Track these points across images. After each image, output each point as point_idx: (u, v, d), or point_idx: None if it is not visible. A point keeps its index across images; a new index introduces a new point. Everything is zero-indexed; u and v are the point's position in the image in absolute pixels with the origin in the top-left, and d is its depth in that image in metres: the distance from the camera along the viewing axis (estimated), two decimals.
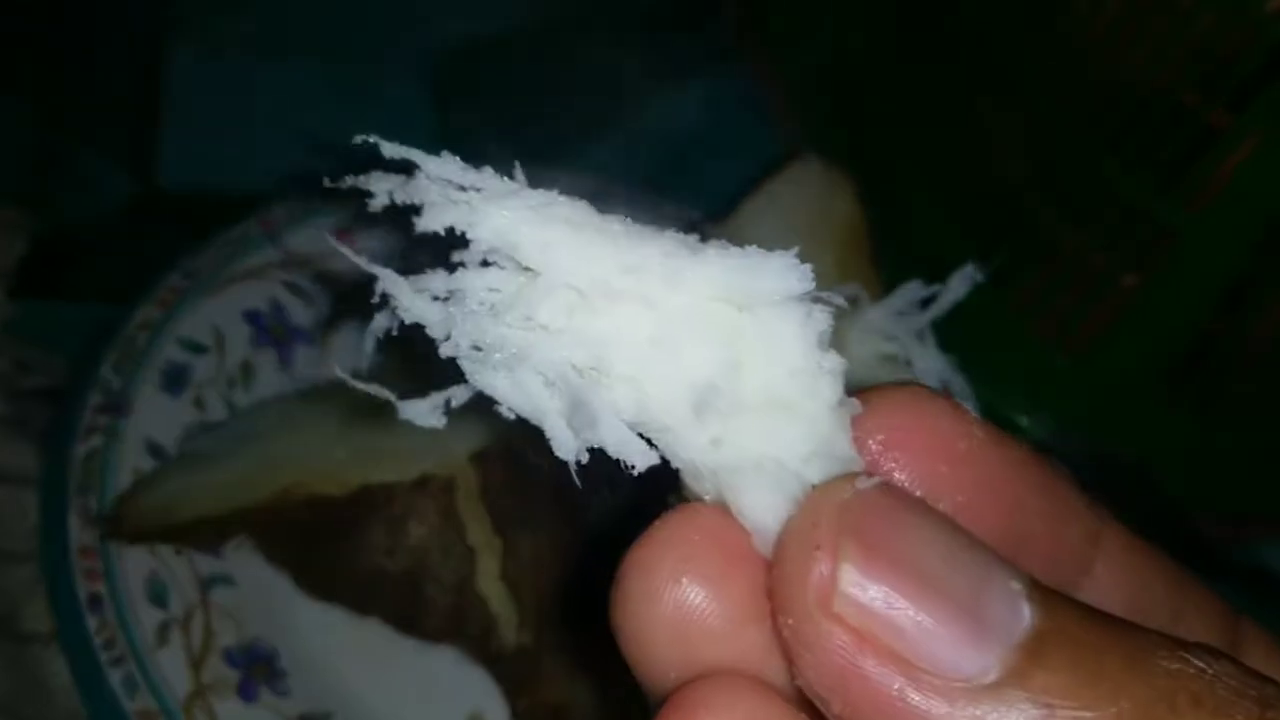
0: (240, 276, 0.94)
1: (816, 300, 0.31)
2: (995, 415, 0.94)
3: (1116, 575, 0.34)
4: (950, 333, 0.82)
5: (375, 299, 0.32)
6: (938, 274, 0.81)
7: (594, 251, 0.30)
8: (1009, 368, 0.97)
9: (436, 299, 0.31)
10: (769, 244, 0.88)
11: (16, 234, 0.92)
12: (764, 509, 0.30)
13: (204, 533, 0.78)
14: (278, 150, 1.11)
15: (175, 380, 0.87)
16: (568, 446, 0.31)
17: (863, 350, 0.82)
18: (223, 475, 0.78)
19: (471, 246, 0.30)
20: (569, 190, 0.98)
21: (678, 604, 0.30)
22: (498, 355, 0.30)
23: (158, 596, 0.77)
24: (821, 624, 0.27)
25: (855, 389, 0.33)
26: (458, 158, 0.31)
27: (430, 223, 0.30)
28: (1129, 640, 0.27)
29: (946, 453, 0.32)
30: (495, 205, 0.30)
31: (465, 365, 0.31)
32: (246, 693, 0.75)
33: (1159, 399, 0.98)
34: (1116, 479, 0.95)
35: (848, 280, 0.83)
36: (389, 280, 0.31)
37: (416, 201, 0.31)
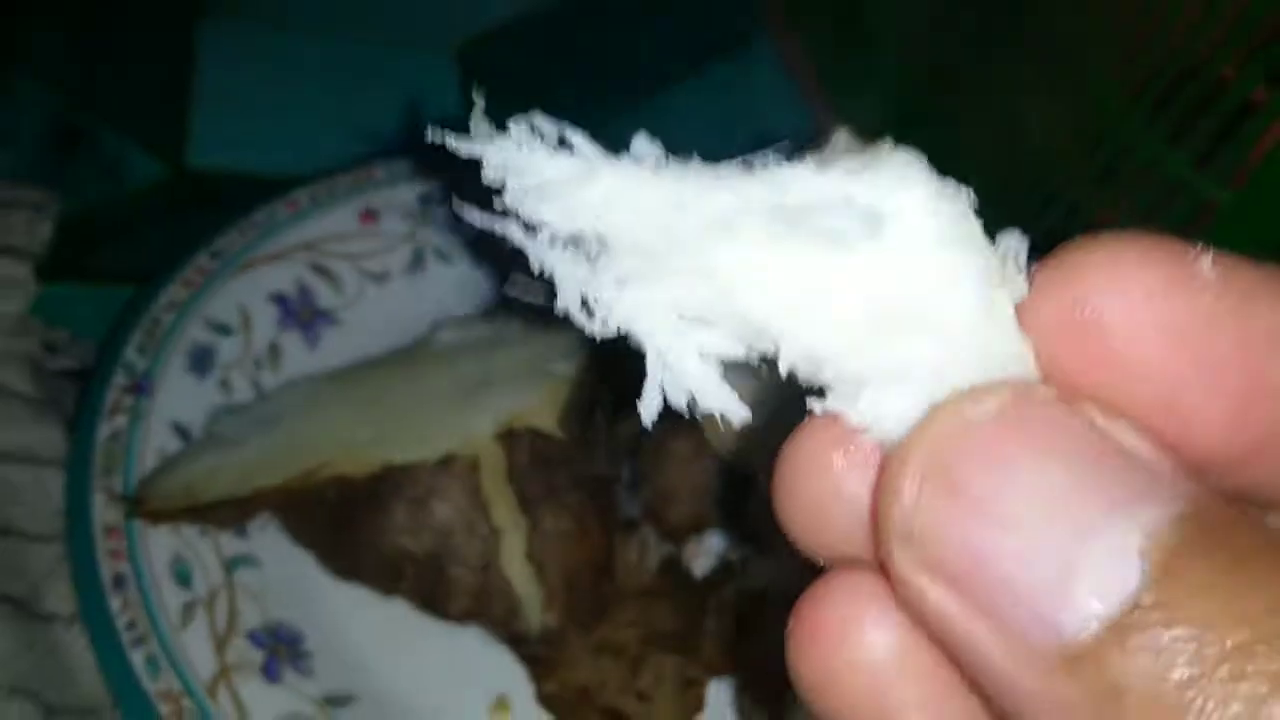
0: (267, 258, 0.93)
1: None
2: None
3: None
4: None
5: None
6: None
7: (731, 195, 0.27)
8: None
9: (566, 248, 0.28)
10: None
11: (43, 216, 0.91)
12: (897, 420, 0.27)
13: (228, 513, 0.77)
14: (306, 131, 1.10)
15: (201, 361, 0.86)
16: (651, 403, 0.28)
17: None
18: (248, 456, 0.78)
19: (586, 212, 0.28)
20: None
21: (824, 487, 0.28)
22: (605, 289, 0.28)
23: (182, 577, 0.76)
24: (898, 559, 0.25)
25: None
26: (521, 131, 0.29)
27: (509, 204, 0.28)
28: (1257, 606, 0.21)
29: (1161, 323, 0.25)
30: (609, 168, 0.28)
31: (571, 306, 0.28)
32: (271, 673, 0.74)
33: None
34: None
35: None
36: (520, 235, 0.28)
37: (513, 183, 0.28)
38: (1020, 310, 0.27)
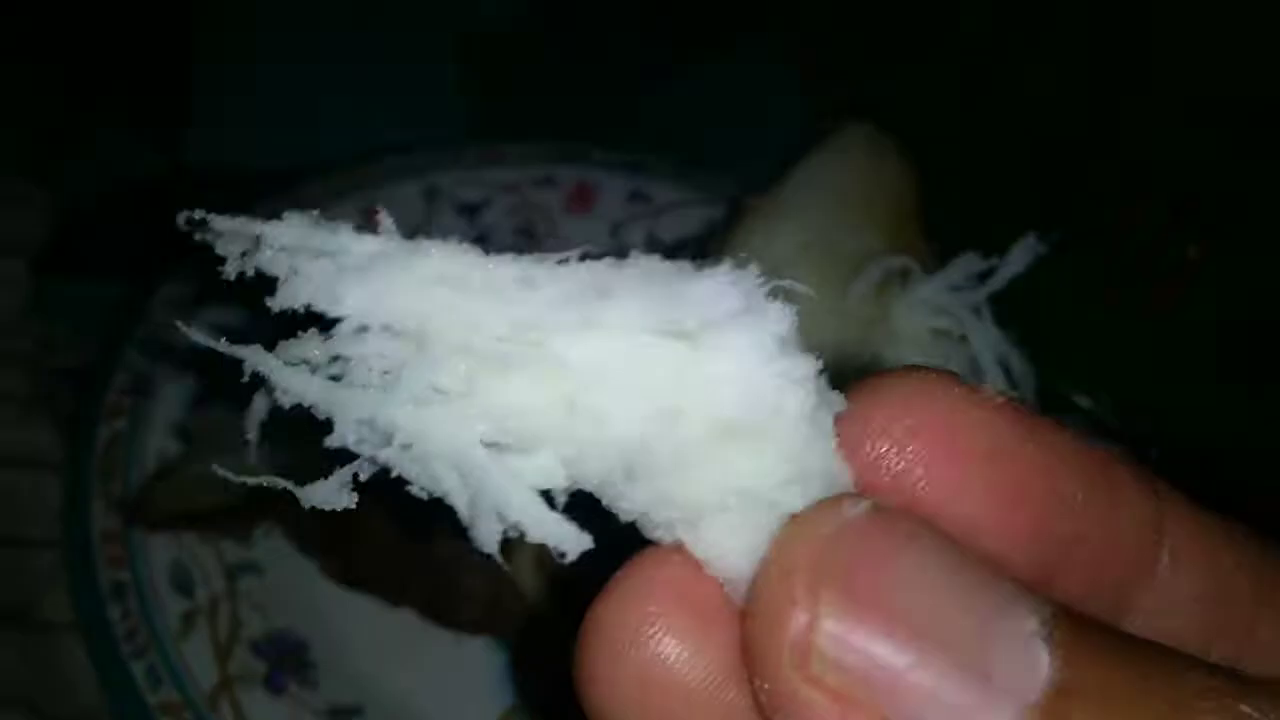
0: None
1: (772, 298, 0.26)
2: (1054, 395, 0.90)
3: (1187, 566, 0.29)
4: (1008, 308, 0.78)
5: (246, 379, 0.27)
6: (995, 246, 0.77)
7: (479, 310, 0.25)
8: (1069, 345, 0.93)
9: (317, 370, 0.26)
10: (815, 215, 0.82)
11: (38, 210, 0.89)
12: (735, 552, 0.26)
13: (231, 519, 0.75)
14: (308, 127, 1.08)
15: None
16: (485, 535, 0.26)
17: (913, 326, 0.78)
18: (251, 460, 0.75)
19: (340, 324, 0.26)
20: (605, 166, 0.94)
21: (644, 667, 0.26)
22: (391, 443, 0.26)
23: (183, 585, 0.74)
24: (799, 689, 0.23)
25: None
26: (310, 215, 0.27)
27: (285, 300, 0.26)
28: (1170, 685, 0.22)
29: (963, 449, 0.26)
30: (355, 275, 0.26)
31: (361, 450, 0.26)
32: (274, 685, 0.72)
33: (1224, 375, 0.93)
34: (1178, 462, 0.90)
35: (898, 251, 0.79)
36: (257, 359, 0.27)
37: (268, 274, 0.26)
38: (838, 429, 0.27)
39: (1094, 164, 0.93)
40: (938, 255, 0.82)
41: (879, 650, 0.22)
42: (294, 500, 0.73)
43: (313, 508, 0.72)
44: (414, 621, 0.77)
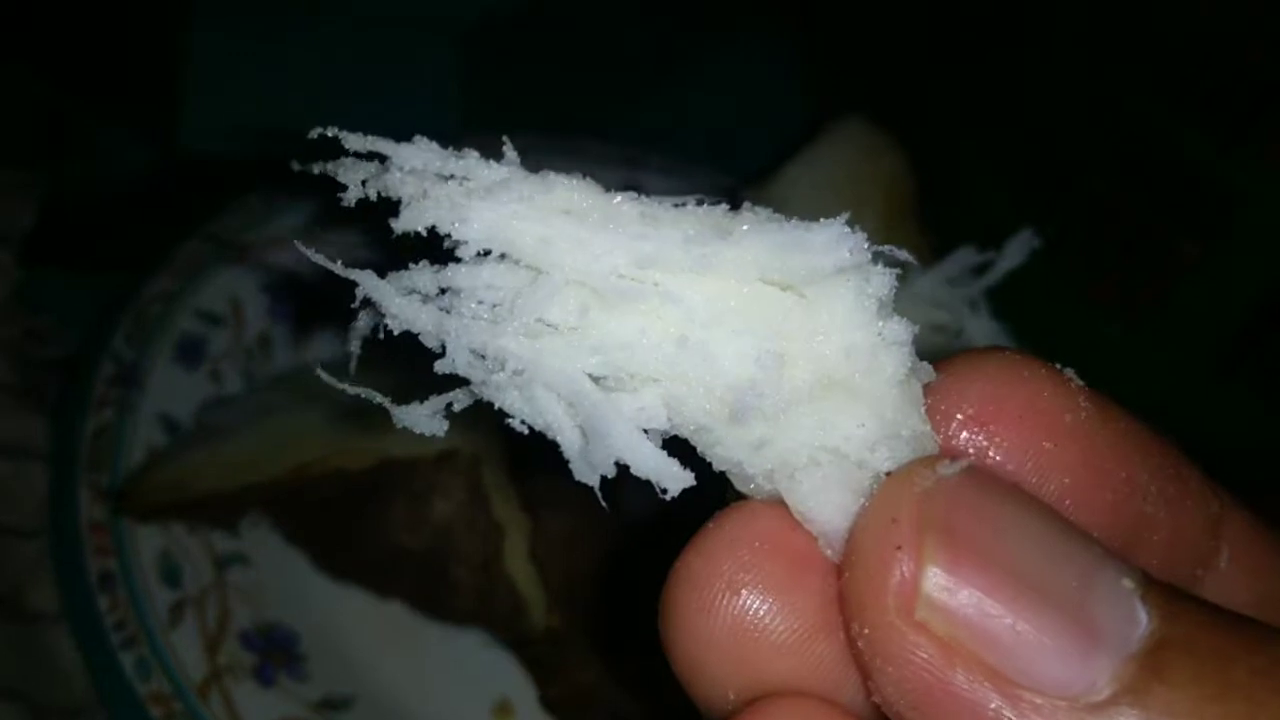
0: (259, 246, 0.90)
1: (874, 262, 0.27)
2: None
3: (1242, 568, 0.30)
4: (1004, 301, 0.78)
5: (356, 302, 0.28)
6: (991, 239, 0.77)
7: (602, 243, 0.26)
8: (1064, 340, 0.93)
9: (428, 300, 0.27)
10: (810, 208, 0.83)
11: (25, 199, 0.88)
12: (829, 508, 0.27)
13: (219, 509, 0.75)
14: (303, 116, 1.07)
15: (191, 352, 0.84)
16: (590, 466, 0.27)
17: (910, 320, 0.77)
18: (239, 450, 0.75)
19: (461, 247, 0.27)
20: (600, 160, 0.93)
21: (736, 618, 0.27)
22: (502, 370, 0.27)
23: (171, 575, 0.74)
24: (904, 633, 0.24)
25: (930, 357, 0.29)
26: (435, 143, 0.27)
27: (409, 222, 0.27)
28: (1263, 647, 0.23)
29: (1049, 427, 0.28)
30: (483, 199, 0.26)
31: (470, 376, 0.27)
32: (264, 676, 0.72)
33: (1220, 372, 0.93)
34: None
35: (895, 245, 0.79)
36: (371, 285, 0.27)
37: (393, 196, 0.27)
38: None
39: (1089, 156, 0.93)
40: (934, 249, 0.81)
41: (985, 597, 0.23)
42: (290, 498, 0.72)
43: (301, 501, 0.72)
44: (404, 613, 0.77)
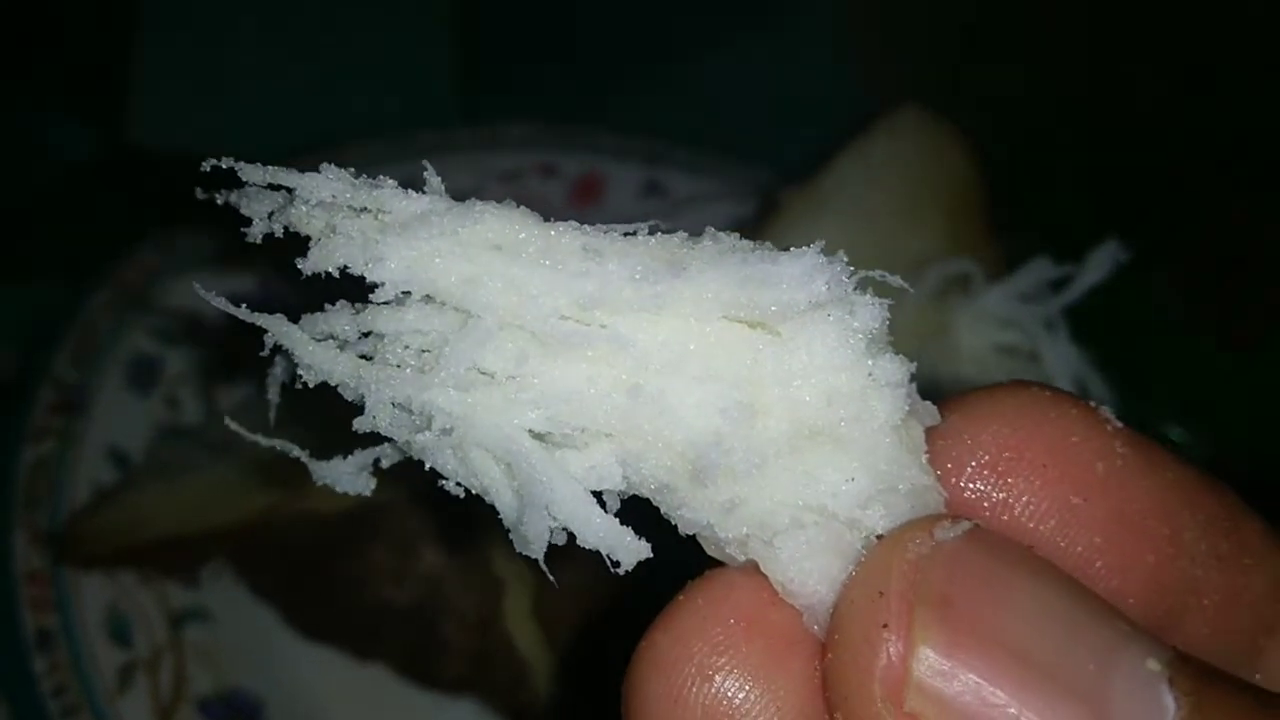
0: (223, 254, 0.93)
1: (862, 288, 0.27)
2: (1138, 426, 0.90)
3: None
4: (1086, 322, 0.79)
5: (267, 350, 0.29)
6: (1071, 249, 0.78)
7: (540, 282, 0.27)
8: (1158, 366, 0.94)
9: (346, 346, 0.28)
10: (858, 212, 0.84)
11: None
12: (814, 577, 0.27)
13: (175, 556, 0.76)
14: (274, 102, 1.10)
15: (143, 375, 0.86)
16: (528, 538, 0.28)
17: (976, 341, 0.79)
18: (198, 488, 0.77)
19: (378, 289, 0.27)
20: (616, 155, 0.95)
21: (710, 707, 0.27)
22: (429, 426, 0.27)
23: (120, 633, 0.75)
24: None
25: (949, 392, 0.29)
26: (347, 170, 0.28)
27: (319, 262, 0.27)
28: None
29: (1077, 478, 0.27)
30: (399, 234, 0.27)
31: (393, 435, 0.28)
32: None
33: None
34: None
35: (958, 254, 0.80)
36: (280, 330, 0.28)
37: (300, 232, 0.28)
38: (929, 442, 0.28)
39: (1190, 162, 0.94)
40: (1005, 259, 0.83)
41: (986, 684, 0.23)
42: (256, 544, 0.73)
43: (269, 547, 0.74)
44: (387, 679, 0.77)
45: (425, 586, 0.74)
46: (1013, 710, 0.23)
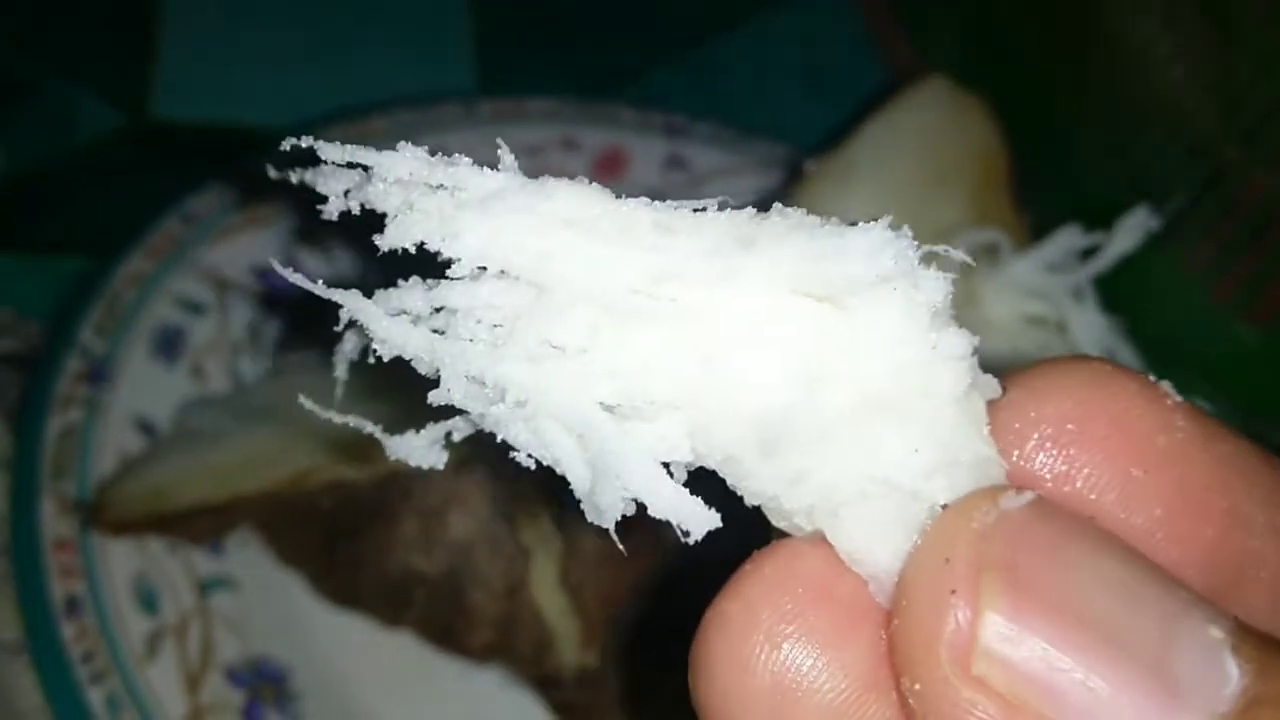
0: (247, 224, 0.93)
1: (926, 263, 0.28)
2: None
3: None
4: (1114, 292, 0.79)
5: (341, 324, 0.29)
6: (1099, 218, 0.78)
7: (613, 256, 0.27)
8: (1186, 338, 0.93)
9: (420, 321, 0.29)
10: (884, 181, 0.84)
11: None
12: (880, 547, 0.27)
13: (202, 524, 0.76)
14: (294, 77, 1.10)
15: (169, 345, 0.86)
16: (600, 508, 0.28)
17: (1003, 311, 0.79)
18: (224, 456, 0.77)
19: (454, 264, 0.28)
20: (637, 128, 0.95)
21: (778, 675, 0.27)
22: (503, 401, 0.28)
23: (147, 600, 0.75)
24: (960, 690, 0.24)
25: (998, 367, 0.29)
26: (424, 148, 0.29)
27: (396, 238, 0.28)
28: None
29: (1139, 451, 0.28)
30: (476, 211, 0.28)
31: (468, 407, 0.29)
32: (252, 717, 0.74)
33: None
34: None
35: (985, 224, 0.80)
36: (355, 305, 0.29)
37: (377, 209, 0.29)
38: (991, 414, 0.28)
39: (1222, 121, 0.93)
40: (1032, 229, 0.83)
41: (1052, 649, 0.24)
42: (284, 512, 0.74)
43: (296, 515, 0.74)
44: (414, 646, 0.78)
45: (453, 554, 0.74)
46: (1079, 675, 0.23)
